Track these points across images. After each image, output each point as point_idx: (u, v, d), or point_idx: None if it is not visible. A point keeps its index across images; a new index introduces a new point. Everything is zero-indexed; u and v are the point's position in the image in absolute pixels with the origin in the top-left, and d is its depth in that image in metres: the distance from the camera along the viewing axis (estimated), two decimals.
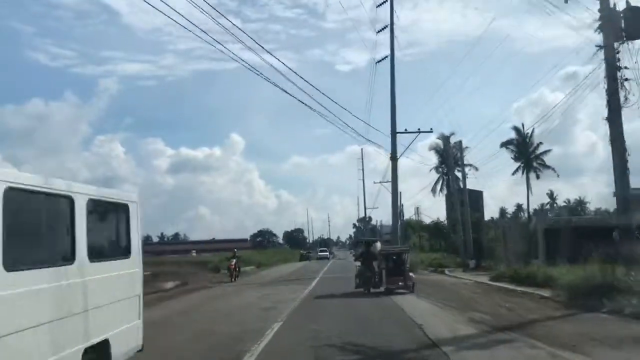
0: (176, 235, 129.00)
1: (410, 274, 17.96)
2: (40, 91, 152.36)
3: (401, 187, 38.14)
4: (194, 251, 44.85)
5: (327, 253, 72.27)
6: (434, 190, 55.07)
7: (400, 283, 17.31)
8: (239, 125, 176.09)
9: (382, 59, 32.43)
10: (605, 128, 14.32)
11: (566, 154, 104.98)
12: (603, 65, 14.32)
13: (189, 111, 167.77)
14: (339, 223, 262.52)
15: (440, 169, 53.76)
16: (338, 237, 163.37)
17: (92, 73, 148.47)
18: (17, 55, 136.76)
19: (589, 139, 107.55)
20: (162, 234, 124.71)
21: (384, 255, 18.30)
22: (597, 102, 21.07)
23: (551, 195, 73.64)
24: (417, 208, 58.41)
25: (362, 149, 62.34)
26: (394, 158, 31.54)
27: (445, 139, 45.55)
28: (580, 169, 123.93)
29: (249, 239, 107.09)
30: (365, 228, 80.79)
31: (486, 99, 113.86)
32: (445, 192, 52.84)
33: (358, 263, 19.33)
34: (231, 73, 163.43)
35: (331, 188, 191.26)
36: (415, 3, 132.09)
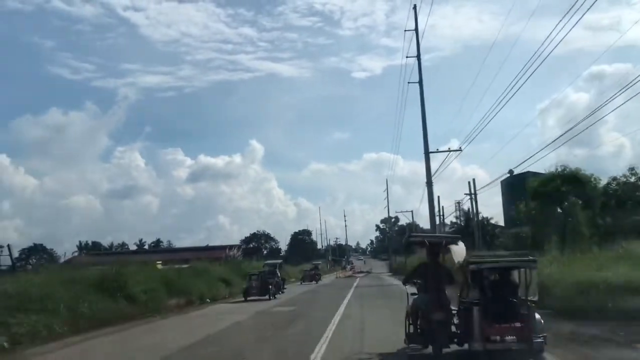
0: (158, 242, 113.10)
1: (536, 315, 8.02)
2: (61, 104, 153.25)
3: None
4: (159, 262, 30.02)
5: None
6: None
7: (511, 336, 7.71)
8: (256, 134, 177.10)
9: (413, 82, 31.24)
10: None
11: None
12: None
13: (207, 121, 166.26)
14: (358, 230, 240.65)
15: None
16: (357, 244, 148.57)
17: (111, 86, 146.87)
18: (39, 69, 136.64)
19: None
20: (140, 240, 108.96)
21: (475, 273, 8.32)
22: None
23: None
24: None
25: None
26: (429, 183, 29.74)
27: None
28: None
29: (239, 244, 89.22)
30: (397, 227, 62.76)
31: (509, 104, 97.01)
32: None
33: (411, 289, 9.63)
34: (248, 83, 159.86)
35: (350, 195, 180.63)
36: (432, 9, 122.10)
